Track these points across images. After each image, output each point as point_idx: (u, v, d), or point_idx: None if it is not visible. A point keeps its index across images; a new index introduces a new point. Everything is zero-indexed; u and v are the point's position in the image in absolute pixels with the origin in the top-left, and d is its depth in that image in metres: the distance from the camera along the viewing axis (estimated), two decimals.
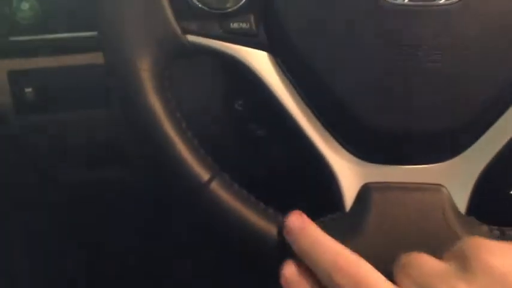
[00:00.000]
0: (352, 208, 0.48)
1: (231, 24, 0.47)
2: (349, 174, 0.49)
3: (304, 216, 0.45)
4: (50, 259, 0.87)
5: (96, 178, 0.70)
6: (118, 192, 0.73)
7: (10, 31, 0.61)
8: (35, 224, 0.83)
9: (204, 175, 0.46)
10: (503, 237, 0.48)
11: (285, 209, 0.48)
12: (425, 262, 0.40)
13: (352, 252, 0.42)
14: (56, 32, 0.60)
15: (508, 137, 0.48)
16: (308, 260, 0.43)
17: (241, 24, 0.47)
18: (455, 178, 0.48)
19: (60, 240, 0.86)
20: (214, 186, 0.47)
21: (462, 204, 0.48)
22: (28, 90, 0.60)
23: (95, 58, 0.60)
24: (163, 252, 0.90)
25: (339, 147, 0.49)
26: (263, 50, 0.48)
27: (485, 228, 0.48)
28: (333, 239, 0.43)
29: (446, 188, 0.48)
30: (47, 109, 0.63)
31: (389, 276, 0.40)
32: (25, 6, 0.60)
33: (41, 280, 0.89)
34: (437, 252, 0.42)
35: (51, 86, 0.62)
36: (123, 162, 0.67)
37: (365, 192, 0.48)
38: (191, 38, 0.47)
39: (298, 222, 0.45)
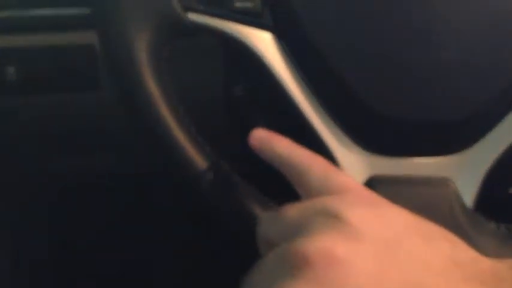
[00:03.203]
0: None
1: (235, 2, 0.45)
2: (354, 165, 0.47)
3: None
4: (33, 247, 0.85)
5: (82, 165, 0.68)
6: (107, 180, 0.71)
7: None
8: (18, 212, 0.80)
9: (202, 164, 0.45)
10: (510, 234, 0.47)
11: (285, 200, 0.46)
12: None
13: None
14: (42, 8, 0.58)
15: None
16: (284, 162, 0.40)
17: (245, 3, 0.45)
18: (464, 172, 0.47)
19: (44, 226, 0.84)
20: (213, 175, 0.45)
21: (469, 199, 0.47)
22: (10, 69, 0.57)
23: (84, 37, 0.58)
24: (148, 238, 0.88)
25: (344, 137, 0.47)
26: (267, 30, 0.46)
27: (492, 224, 0.47)
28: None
29: (453, 182, 0.47)
30: (30, 90, 0.60)
31: None
32: None
33: (23, 268, 0.87)
34: None
35: (35, 66, 0.59)
36: (112, 149, 0.65)
37: (370, 185, 0.47)
38: (192, 16, 0.45)
39: (265, 132, 0.42)
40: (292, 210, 0.36)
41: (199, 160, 0.45)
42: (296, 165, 0.39)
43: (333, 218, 0.32)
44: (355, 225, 0.32)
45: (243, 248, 0.48)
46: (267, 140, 0.41)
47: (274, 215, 0.37)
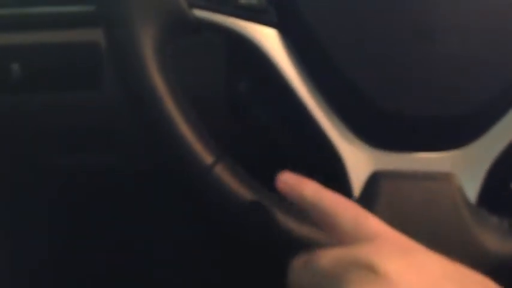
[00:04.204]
0: (359, 196, 0.47)
1: None
2: (358, 161, 0.47)
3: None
4: (33, 247, 0.85)
5: (83, 164, 0.67)
6: (107, 179, 0.71)
7: None
8: (18, 212, 0.80)
9: (208, 158, 0.45)
10: None
11: None
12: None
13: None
14: (47, 5, 0.57)
15: None
16: (313, 206, 0.40)
17: None
18: (467, 167, 0.47)
19: (44, 226, 0.84)
20: (219, 169, 0.45)
21: (472, 194, 0.47)
22: (15, 66, 0.57)
23: (88, 35, 0.57)
24: (148, 238, 0.88)
25: (348, 133, 0.47)
26: (272, 27, 0.46)
27: (494, 219, 0.48)
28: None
29: (456, 177, 0.47)
30: (34, 88, 0.60)
31: None
32: None
33: (23, 268, 0.87)
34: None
35: (39, 63, 0.59)
36: (113, 148, 0.65)
37: (374, 180, 0.47)
38: (198, 12, 0.45)
39: (292, 176, 0.42)
40: (325, 259, 0.35)
41: (205, 154, 0.45)
42: (325, 210, 0.39)
43: (369, 271, 0.32)
44: (391, 278, 0.32)
45: (245, 247, 0.48)
46: (295, 184, 0.41)
47: (307, 262, 0.36)
